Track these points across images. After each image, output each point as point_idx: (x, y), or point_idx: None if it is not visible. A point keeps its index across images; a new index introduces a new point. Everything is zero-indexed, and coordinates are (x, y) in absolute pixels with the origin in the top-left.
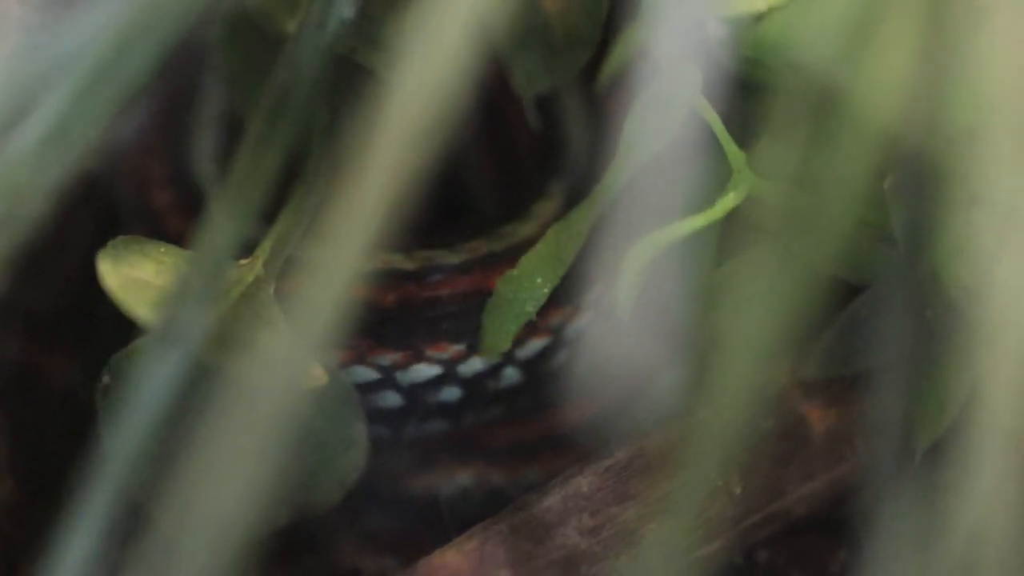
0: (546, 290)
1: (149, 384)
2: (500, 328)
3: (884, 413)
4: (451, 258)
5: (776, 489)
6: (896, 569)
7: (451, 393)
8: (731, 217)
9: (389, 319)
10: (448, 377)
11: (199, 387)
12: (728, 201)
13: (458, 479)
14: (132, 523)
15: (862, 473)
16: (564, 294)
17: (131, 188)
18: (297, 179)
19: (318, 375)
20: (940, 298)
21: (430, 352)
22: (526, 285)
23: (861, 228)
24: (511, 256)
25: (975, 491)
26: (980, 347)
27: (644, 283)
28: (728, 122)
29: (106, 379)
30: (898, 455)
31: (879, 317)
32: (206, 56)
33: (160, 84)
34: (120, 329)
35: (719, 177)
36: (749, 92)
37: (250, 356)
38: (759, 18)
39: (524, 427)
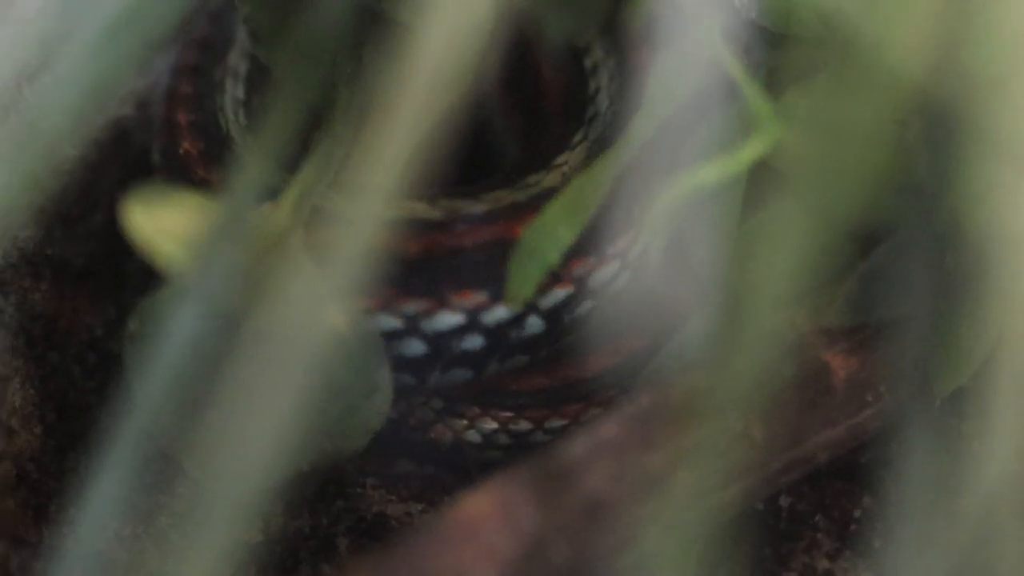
0: (569, 238)
1: (176, 330)
2: (524, 276)
3: (906, 360)
4: (476, 207)
5: (798, 435)
6: (918, 516)
7: (474, 342)
8: (756, 167)
9: (414, 268)
10: (472, 326)
11: (226, 333)
12: (753, 151)
13: (483, 425)
14: (160, 469)
15: (884, 420)
16: (588, 244)
17: (159, 137)
18: (323, 128)
19: (343, 321)
20: (963, 246)
21: (454, 301)
22: (549, 234)
23: (885, 176)
24: (535, 206)
25: (996, 438)
26: (1002, 295)
27: (670, 233)
28: (753, 71)
29: (133, 325)
30: (920, 402)
31: (902, 265)
32: (233, 5)
33: (187, 33)
34: (148, 278)
35: (744, 127)
36: (774, 42)
37: (276, 303)
38: None
39: (549, 374)
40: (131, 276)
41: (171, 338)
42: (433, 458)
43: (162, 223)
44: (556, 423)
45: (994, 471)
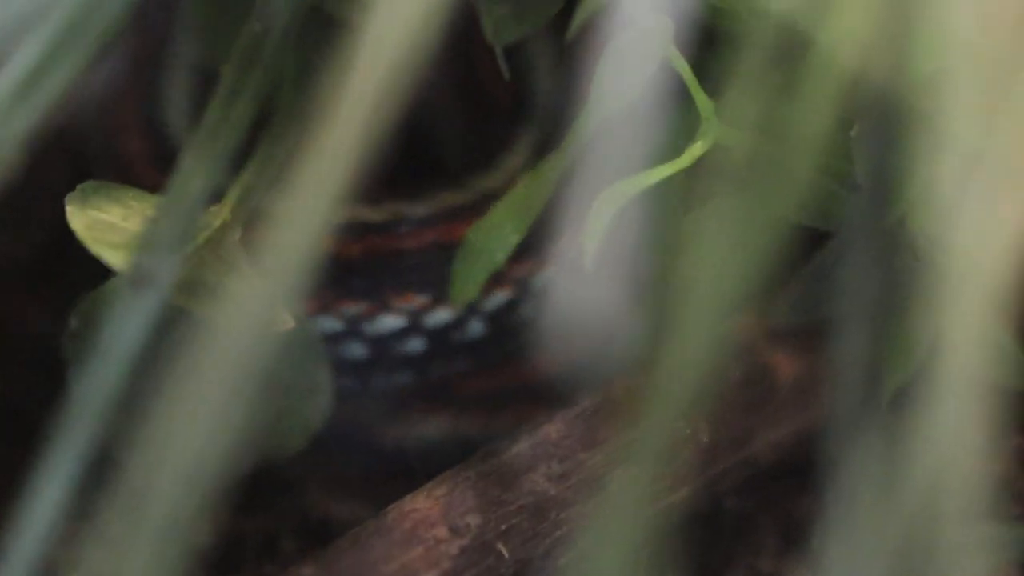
0: (515, 239)
1: (116, 327)
2: (470, 277)
3: (850, 361)
4: (418, 210)
5: (744, 436)
6: (859, 515)
7: (416, 344)
8: (700, 166)
9: (355, 270)
10: (413, 328)
11: (167, 331)
12: (696, 150)
13: (428, 427)
14: (102, 468)
15: (828, 420)
16: (529, 246)
17: (103, 137)
18: (266, 128)
19: (284, 320)
20: (907, 245)
21: (396, 303)
22: (496, 234)
23: (828, 176)
24: (478, 208)
25: (937, 438)
26: (946, 294)
27: (611, 232)
28: (697, 71)
29: (74, 323)
30: (864, 402)
31: (846, 265)
32: (177, 5)
33: (132, 33)
34: (92, 276)
35: (688, 126)
36: (718, 41)
37: (216, 301)
38: None
39: (493, 376)
40: (76, 275)
41: (112, 335)
42: (377, 459)
43: (103, 217)
44: (500, 424)
45: (933, 468)
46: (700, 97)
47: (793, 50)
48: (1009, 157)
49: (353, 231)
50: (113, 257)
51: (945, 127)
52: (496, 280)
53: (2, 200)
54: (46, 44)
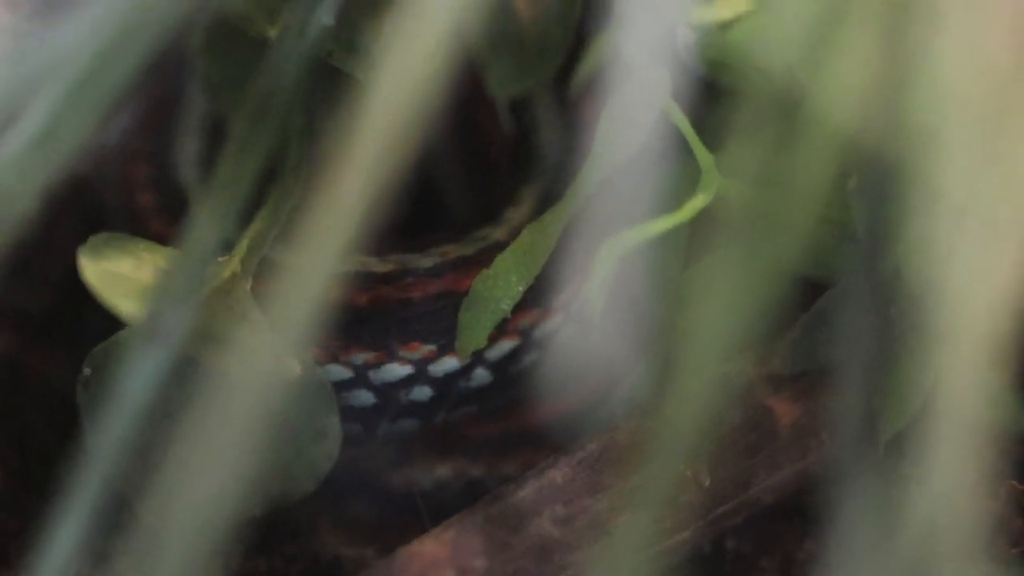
0: (521, 288)
1: (129, 376)
2: (476, 325)
3: (849, 406)
4: (424, 261)
5: (744, 480)
6: (858, 556)
7: (422, 392)
8: (700, 218)
9: (362, 319)
10: (419, 376)
11: (178, 380)
12: (697, 202)
13: (436, 472)
14: (117, 512)
15: (827, 464)
16: (534, 297)
17: (115, 190)
18: (275, 180)
19: (293, 368)
20: (903, 294)
21: (402, 352)
22: (501, 283)
23: (826, 227)
24: (483, 259)
25: (933, 480)
26: (941, 342)
27: (614, 283)
28: (697, 125)
29: (87, 371)
30: (862, 447)
31: (844, 313)
32: (189, 62)
33: (144, 89)
34: (105, 326)
35: (689, 179)
36: (717, 96)
37: (227, 350)
38: (726, 25)
39: (499, 422)
40: (90, 324)
41: (124, 383)
42: (386, 503)
43: (114, 269)
44: (507, 469)
45: (928, 512)
46: (700, 150)
47: (791, 104)
48: (1001, 208)
49: (361, 281)
50: (125, 307)
51: (939, 179)
52: (502, 329)
53: (18, 251)
54: (60, 99)
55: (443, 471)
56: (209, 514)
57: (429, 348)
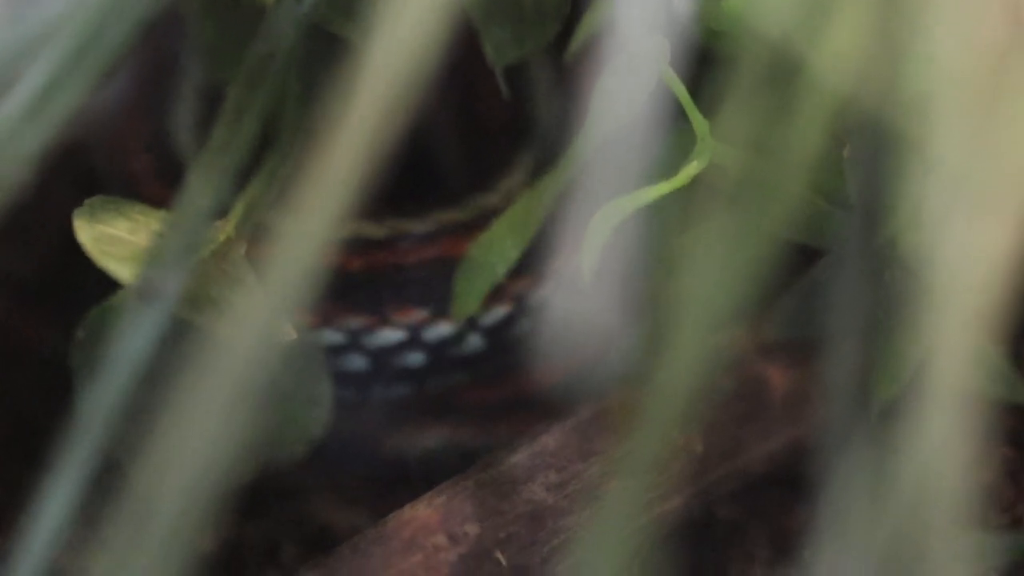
0: (515, 254)
1: (123, 339)
2: (470, 291)
3: (841, 375)
4: (419, 226)
5: (736, 447)
6: (849, 525)
7: (416, 358)
8: (695, 184)
9: (357, 284)
10: (413, 342)
11: (172, 342)
12: (692, 168)
13: (428, 438)
14: (109, 477)
15: (820, 432)
16: (527, 263)
17: (111, 154)
18: (270, 145)
19: (287, 332)
20: (897, 263)
21: (396, 317)
22: (496, 249)
23: (820, 194)
24: (478, 225)
25: (925, 449)
26: (934, 310)
27: (608, 249)
28: (693, 92)
29: (81, 334)
30: (854, 415)
31: (837, 282)
32: (185, 25)
33: (140, 52)
34: (100, 291)
35: (684, 146)
36: (713, 63)
37: (221, 313)
38: None
39: (492, 388)
40: (84, 289)
41: (118, 348)
42: (378, 469)
43: (110, 231)
44: (499, 434)
45: (921, 479)
46: (695, 117)
47: (786, 71)
48: (995, 177)
49: (355, 246)
50: (120, 270)
51: (933, 148)
52: (495, 295)
53: (12, 216)
54: (56, 63)
55: (435, 437)
56: (201, 478)
57: (423, 314)
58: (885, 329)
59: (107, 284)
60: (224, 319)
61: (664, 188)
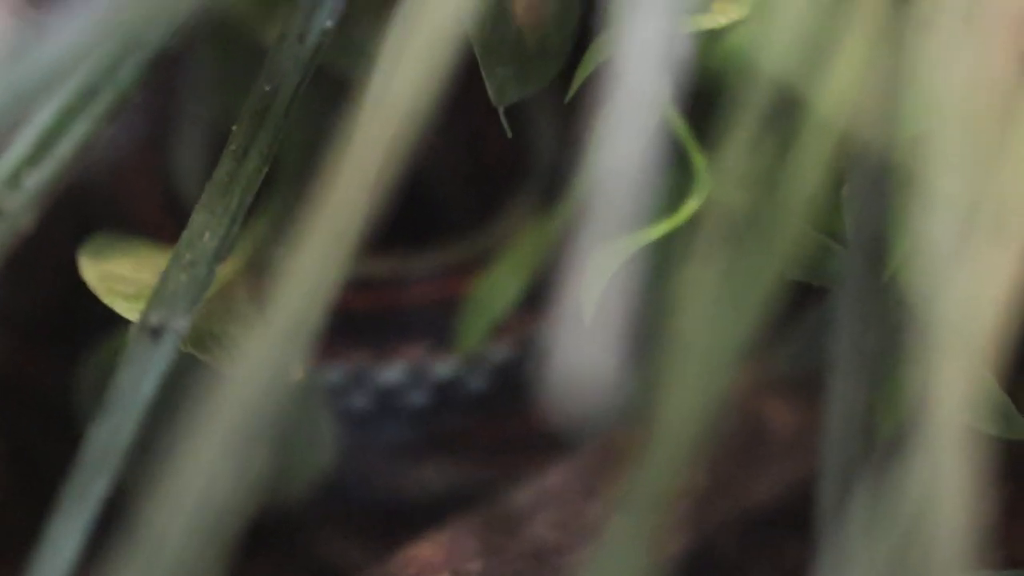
0: (517, 291)
1: (129, 377)
2: (474, 328)
3: (842, 412)
4: (422, 265)
5: (739, 484)
6: (852, 559)
7: (419, 397)
8: (696, 222)
9: (360, 323)
10: (416, 381)
11: (178, 380)
12: (692, 206)
13: (432, 476)
14: (116, 515)
15: (822, 469)
16: (529, 301)
17: (115, 192)
18: (274, 183)
19: (293, 371)
20: (898, 299)
21: (399, 356)
22: (499, 288)
23: (821, 232)
24: (479, 264)
25: (926, 485)
26: (935, 347)
27: (610, 287)
28: (693, 130)
29: (86, 372)
30: (855, 452)
31: (839, 318)
32: (190, 66)
33: (146, 91)
34: (104, 331)
35: (685, 184)
36: (713, 102)
37: (226, 351)
38: (722, 31)
39: (495, 427)
40: (89, 327)
41: (124, 386)
42: (383, 507)
43: (114, 269)
44: (502, 473)
45: (923, 515)
46: (695, 155)
47: (786, 109)
48: (995, 213)
49: (359, 285)
50: (124, 308)
51: (934, 185)
52: (498, 334)
53: (17, 255)
54: (62, 105)
55: (439, 475)
56: (207, 516)
57: (426, 352)
58: (886, 366)
59: (112, 322)
60: (229, 357)
61: (665, 226)
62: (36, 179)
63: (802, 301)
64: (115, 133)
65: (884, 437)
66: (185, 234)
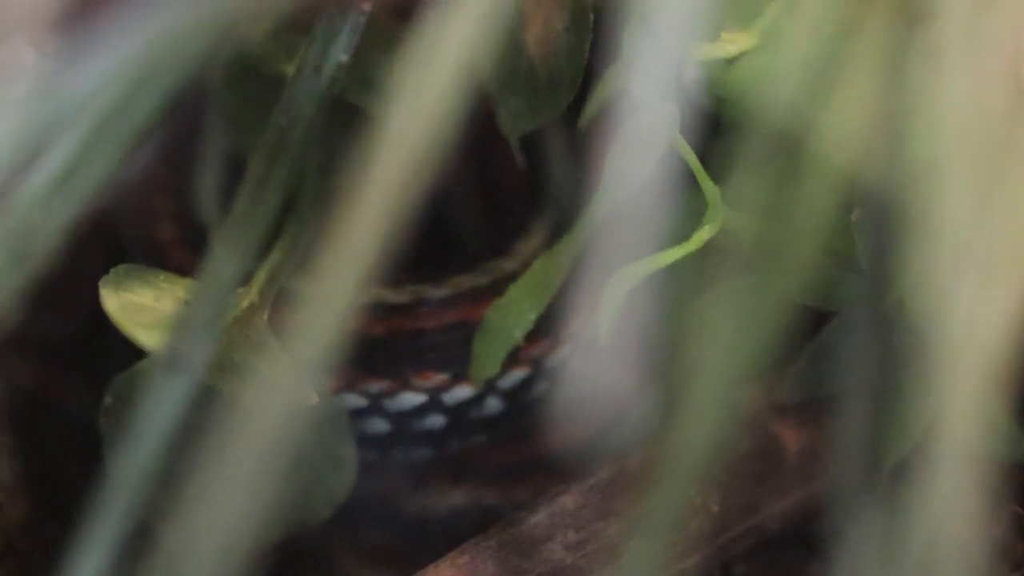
0: (532, 316)
1: (150, 405)
2: (489, 354)
3: (853, 434)
4: (437, 292)
5: (752, 506)
6: None
7: (436, 420)
8: (708, 249)
9: (378, 349)
10: (433, 405)
11: (198, 408)
12: (704, 233)
13: (450, 498)
14: (139, 540)
15: (833, 490)
16: (544, 327)
17: (137, 223)
18: (292, 213)
19: (310, 397)
20: (906, 325)
21: (416, 381)
22: (514, 313)
23: (830, 258)
24: (495, 290)
25: (936, 507)
26: (942, 372)
27: (624, 313)
28: (703, 159)
29: (108, 399)
30: (866, 473)
31: (849, 343)
32: (209, 97)
33: (165, 124)
34: (128, 356)
35: (695, 211)
36: (722, 131)
37: (246, 379)
38: (731, 61)
39: (511, 449)
40: (111, 354)
41: (146, 413)
42: (402, 529)
43: (135, 299)
44: (520, 494)
45: (932, 536)
46: (706, 183)
47: (794, 139)
48: (1001, 241)
49: (376, 312)
50: (145, 337)
51: (938, 216)
52: (514, 358)
53: (41, 284)
54: (85, 136)
55: (457, 497)
56: (229, 541)
57: (443, 377)
58: (895, 389)
59: (137, 348)
60: (249, 385)
61: (677, 253)
62: (63, 207)
63: (811, 326)
64: (138, 165)
65: (894, 459)
66: (204, 263)
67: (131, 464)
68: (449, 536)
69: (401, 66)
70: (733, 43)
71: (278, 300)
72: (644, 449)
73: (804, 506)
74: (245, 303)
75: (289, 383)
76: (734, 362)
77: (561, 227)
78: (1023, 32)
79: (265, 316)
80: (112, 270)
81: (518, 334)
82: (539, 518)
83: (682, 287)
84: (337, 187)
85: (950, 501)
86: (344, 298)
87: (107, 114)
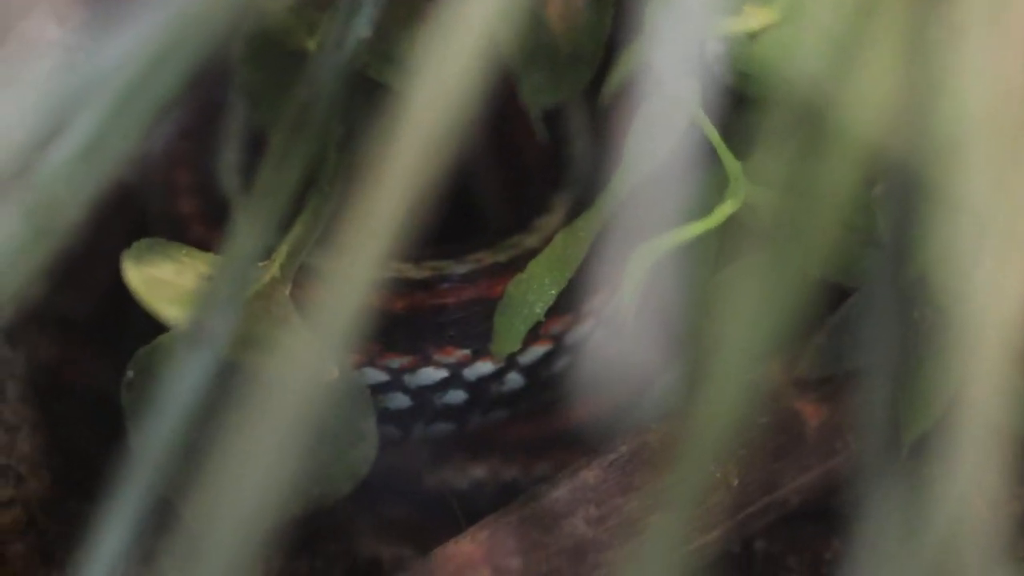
0: (554, 291)
1: (173, 379)
2: (510, 330)
3: (874, 409)
4: (458, 268)
5: (772, 481)
6: (883, 556)
7: (456, 396)
8: (729, 224)
9: (399, 324)
10: (454, 380)
11: (220, 382)
12: (725, 208)
13: (470, 473)
14: (161, 514)
15: (854, 465)
16: (565, 302)
17: (159, 197)
18: (313, 188)
19: (331, 371)
20: (927, 300)
21: (437, 356)
22: (535, 288)
23: (851, 233)
24: (516, 266)
25: (956, 482)
26: (964, 347)
27: (645, 288)
28: (725, 134)
29: (131, 374)
30: (887, 448)
31: (869, 318)
32: (231, 73)
33: (187, 99)
34: (149, 331)
35: (717, 186)
36: (744, 105)
37: (267, 353)
38: (753, 36)
39: (532, 425)
40: (133, 328)
41: (168, 388)
42: (422, 504)
43: (157, 274)
44: (541, 470)
45: (953, 511)
46: (728, 158)
47: (816, 113)
48: (1022, 218)
49: (397, 287)
50: (166, 312)
51: (961, 190)
52: (535, 334)
53: (64, 260)
54: (108, 110)
55: (478, 473)
56: (251, 515)
57: (463, 352)
58: (916, 364)
59: (159, 323)
60: (271, 359)
61: (699, 228)
62: (85, 181)
63: (833, 301)
64: (160, 139)
65: (915, 433)
66: (226, 238)
67: (153, 438)
68: (469, 511)
69: (423, 41)
70: (755, 17)
71: (300, 275)
72: (665, 424)
73: (824, 481)
74: (267, 278)
75: (310, 358)
76: (755, 337)
77: (582, 203)
78: None
79: (287, 291)
80: (134, 244)
81: (539, 310)
82: (560, 493)
83: (703, 262)
84: (358, 162)
85: (971, 476)
86: (365, 273)
87: (129, 89)
